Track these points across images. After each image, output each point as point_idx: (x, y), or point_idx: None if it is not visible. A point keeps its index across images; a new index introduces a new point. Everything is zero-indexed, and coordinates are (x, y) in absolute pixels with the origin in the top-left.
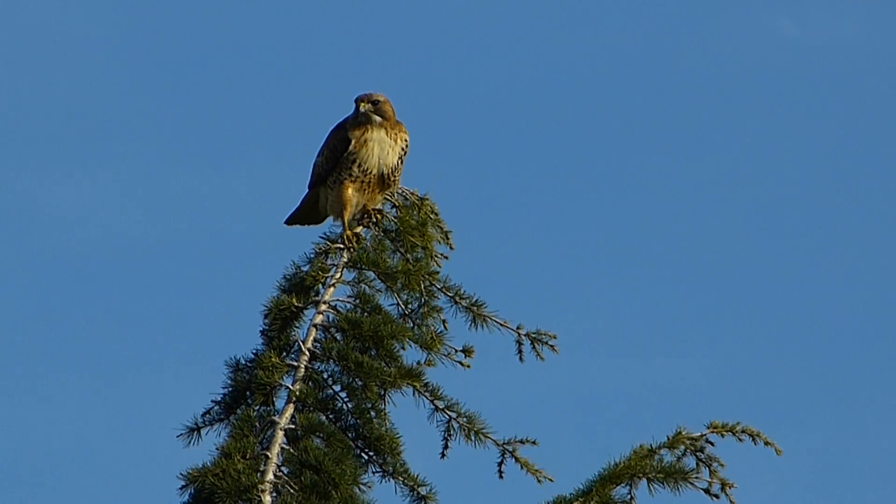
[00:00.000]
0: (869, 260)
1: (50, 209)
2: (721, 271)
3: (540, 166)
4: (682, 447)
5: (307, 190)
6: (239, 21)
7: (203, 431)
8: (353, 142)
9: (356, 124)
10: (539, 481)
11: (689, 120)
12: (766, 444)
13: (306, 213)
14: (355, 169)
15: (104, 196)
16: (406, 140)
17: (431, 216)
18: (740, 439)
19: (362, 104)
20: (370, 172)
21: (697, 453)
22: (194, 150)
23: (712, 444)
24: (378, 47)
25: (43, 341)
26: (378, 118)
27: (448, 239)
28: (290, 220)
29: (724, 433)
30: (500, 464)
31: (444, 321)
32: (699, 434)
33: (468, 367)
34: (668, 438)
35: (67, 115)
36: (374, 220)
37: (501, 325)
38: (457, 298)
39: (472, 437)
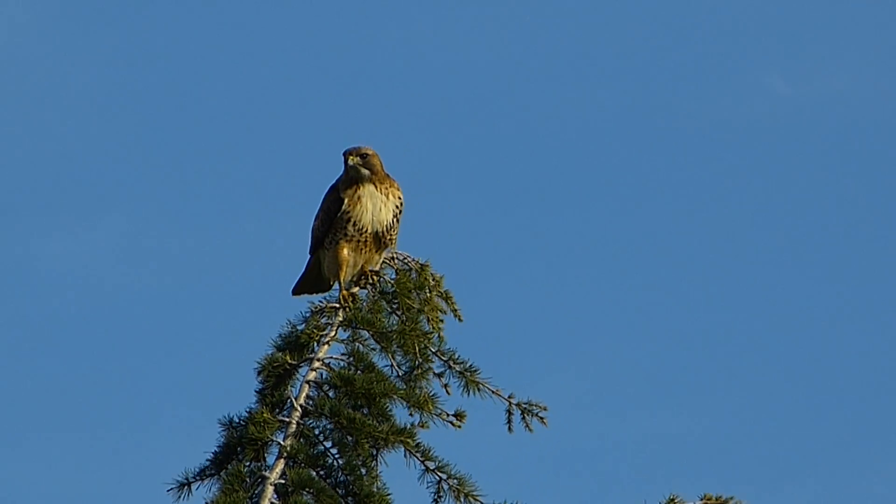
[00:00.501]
0: (853, 313)
1: (42, 264)
2: (703, 327)
3: (516, 216)
4: None
5: (309, 255)
6: (232, 71)
7: (194, 486)
8: (346, 201)
9: (347, 183)
10: None
11: (681, 179)
12: None
13: (312, 281)
14: (350, 228)
15: (97, 251)
16: (400, 197)
17: (431, 283)
18: None
19: (350, 157)
20: (365, 231)
21: None
22: (189, 205)
23: None
24: (371, 104)
25: (35, 398)
26: (366, 172)
27: (454, 306)
28: (297, 291)
29: None
30: None
31: (445, 385)
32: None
33: (459, 427)
34: None
35: (60, 170)
36: (372, 281)
37: (493, 392)
38: (450, 363)
39: (462, 500)
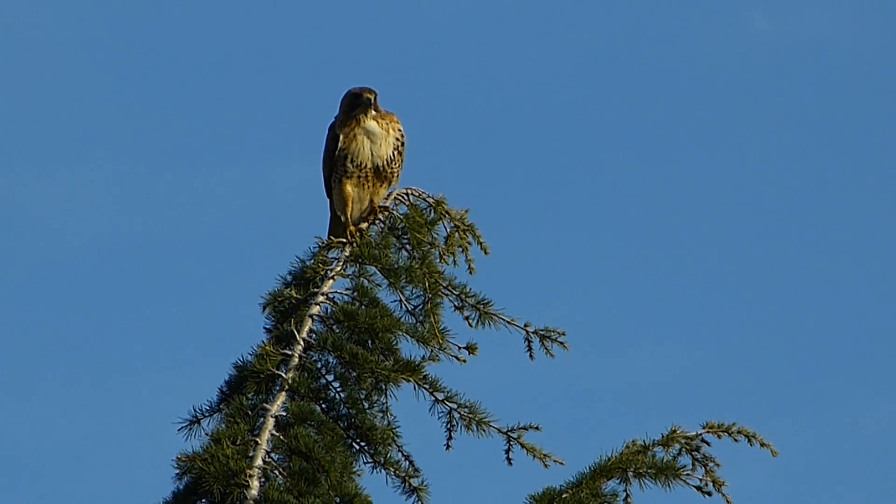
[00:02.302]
0: (847, 249)
1: (32, 208)
2: (707, 264)
3: (527, 165)
4: (678, 446)
5: (328, 199)
6: (221, 17)
7: (203, 423)
8: (341, 138)
9: (343, 121)
10: (546, 465)
11: (664, 115)
12: (763, 445)
13: (338, 226)
14: (349, 165)
15: (86, 193)
16: (400, 130)
17: (447, 217)
18: (736, 440)
19: (369, 95)
20: (364, 166)
21: (693, 452)
22: (175, 146)
23: (708, 443)
24: (364, 46)
25: (36, 343)
26: (373, 111)
27: (480, 239)
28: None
29: (721, 434)
30: (507, 451)
31: (467, 318)
32: (695, 433)
33: (465, 361)
34: (663, 436)
35: (45, 114)
36: (381, 217)
37: (509, 322)
38: (463, 297)
39: (475, 427)
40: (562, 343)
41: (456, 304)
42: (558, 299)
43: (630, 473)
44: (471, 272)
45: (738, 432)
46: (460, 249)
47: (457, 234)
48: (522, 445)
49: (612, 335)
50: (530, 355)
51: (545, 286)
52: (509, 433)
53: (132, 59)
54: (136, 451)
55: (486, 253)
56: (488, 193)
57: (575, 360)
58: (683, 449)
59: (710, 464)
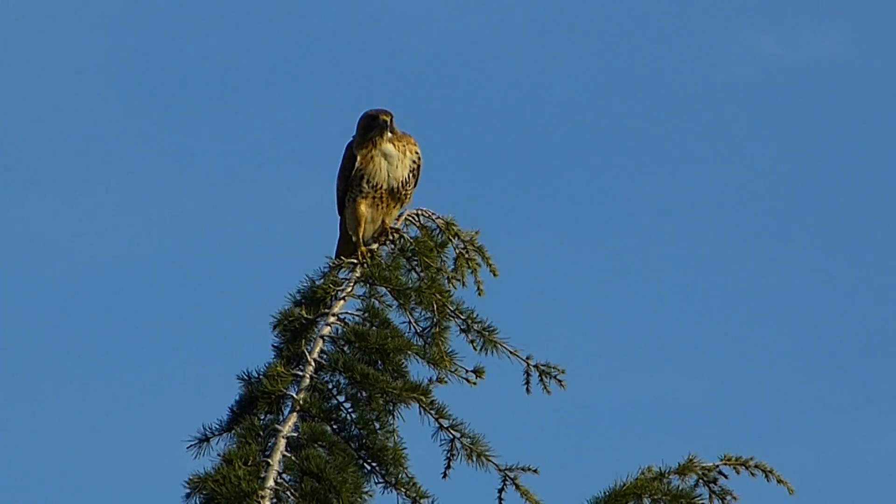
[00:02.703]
0: (852, 272)
1: (48, 229)
2: (721, 288)
3: (539, 186)
4: (695, 476)
5: (339, 216)
6: (237, 41)
7: (213, 441)
8: (358, 159)
9: (361, 142)
10: None
11: (677, 139)
12: (780, 482)
13: (348, 245)
14: (365, 185)
15: (102, 215)
16: (417, 153)
17: (458, 239)
18: (753, 474)
19: (385, 117)
20: (380, 187)
21: (710, 484)
22: (186, 166)
23: (725, 476)
24: (372, 63)
25: (51, 362)
26: (389, 133)
27: (489, 261)
28: (338, 255)
29: (738, 467)
30: (500, 490)
31: (472, 341)
32: (712, 465)
33: (475, 384)
34: (679, 465)
35: (63, 136)
36: (392, 238)
37: (511, 353)
38: (469, 322)
39: (475, 459)
40: (559, 381)
41: (462, 326)
42: (567, 323)
43: (646, 500)
44: (479, 294)
45: (756, 466)
46: (469, 271)
47: (465, 255)
48: (517, 487)
49: (623, 360)
50: (527, 389)
51: (555, 309)
52: (507, 472)
53: (149, 81)
54: (146, 470)
55: (495, 275)
56: (498, 212)
57: (585, 385)
58: (700, 480)
59: (728, 497)
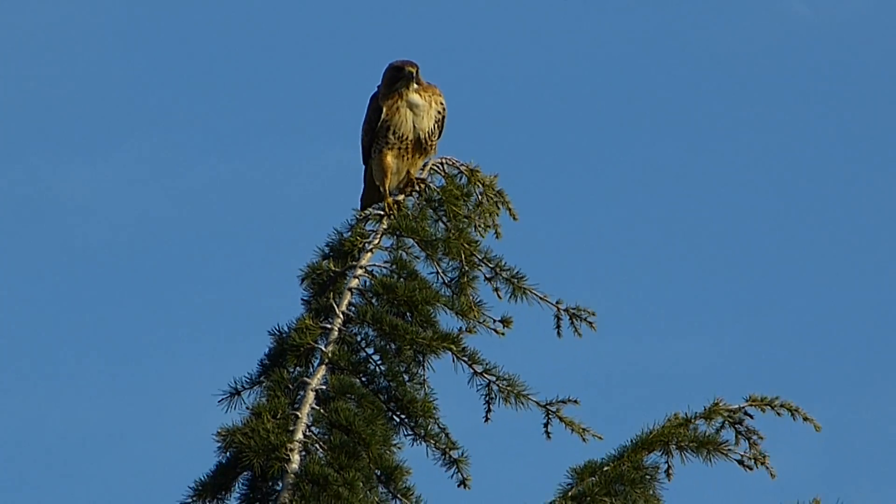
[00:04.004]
0: (882, 240)
1: (64, 195)
2: (744, 253)
3: (552, 148)
4: (720, 419)
5: (363, 165)
6: (253, 5)
7: (244, 395)
8: (384, 110)
9: (387, 93)
10: (584, 440)
11: (703, 103)
12: (805, 419)
13: (373, 194)
14: (391, 136)
15: (117, 180)
16: (442, 103)
17: (482, 187)
18: (779, 413)
19: (413, 68)
20: (406, 138)
21: (736, 425)
22: (206, 133)
23: (751, 416)
24: (385, 35)
25: (78, 324)
26: (415, 84)
27: (509, 206)
28: (364, 205)
29: (764, 407)
30: (545, 424)
31: (496, 290)
32: (737, 406)
33: (503, 334)
34: (705, 409)
35: (79, 102)
36: (418, 189)
37: (541, 298)
38: (497, 270)
39: (513, 400)
40: (590, 323)
41: (488, 275)
42: (595, 283)
43: (672, 446)
44: (497, 236)
45: (781, 406)
46: (489, 215)
47: (485, 200)
48: (561, 419)
49: (650, 321)
50: (558, 333)
51: (583, 270)
52: (548, 406)
53: (177, 43)
54: (179, 428)
55: (514, 219)
56: (524, 170)
57: (610, 344)
58: (727, 422)
59: (754, 437)
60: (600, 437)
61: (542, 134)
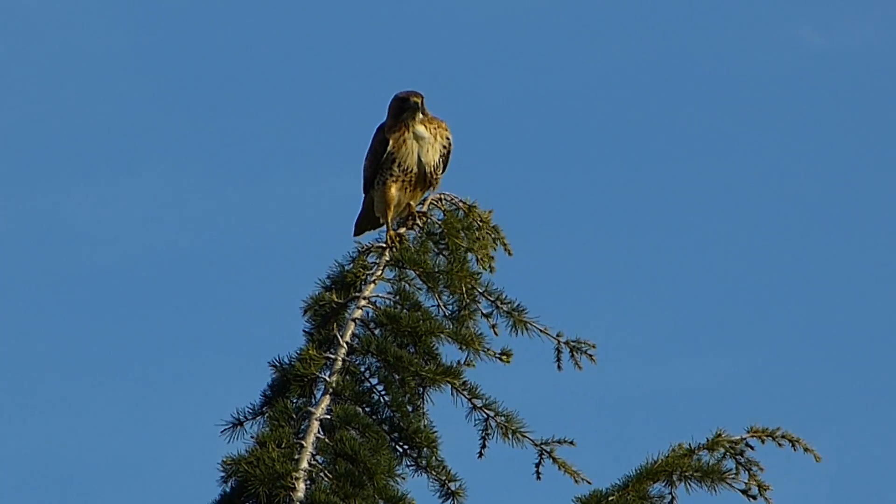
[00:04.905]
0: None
1: (76, 222)
2: (751, 273)
3: (560, 170)
4: (722, 450)
5: (363, 194)
6: (263, 33)
7: (247, 426)
8: (391, 142)
9: (393, 125)
10: (576, 482)
11: (714, 129)
12: (806, 450)
13: (370, 219)
14: (395, 169)
15: (131, 208)
16: (448, 138)
17: (479, 223)
18: (780, 444)
19: (418, 98)
20: (410, 171)
21: (737, 457)
22: (224, 158)
23: (752, 447)
24: (394, 49)
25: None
26: (421, 115)
27: (504, 241)
28: (358, 230)
29: (765, 438)
30: (537, 465)
31: (493, 325)
32: (739, 437)
33: (507, 362)
34: (708, 440)
35: (91, 130)
36: (419, 222)
37: (541, 331)
38: (498, 303)
39: (510, 437)
40: (591, 356)
41: (484, 311)
42: (600, 309)
43: (675, 476)
44: (490, 271)
45: (783, 437)
46: (486, 249)
47: (483, 235)
48: (554, 460)
49: (655, 346)
50: (558, 366)
51: (583, 296)
52: (543, 446)
53: (188, 74)
54: (182, 457)
55: (509, 254)
56: (526, 201)
57: (614, 370)
58: (728, 453)
59: (754, 468)
60: (589, 482)
61: (544, 147)
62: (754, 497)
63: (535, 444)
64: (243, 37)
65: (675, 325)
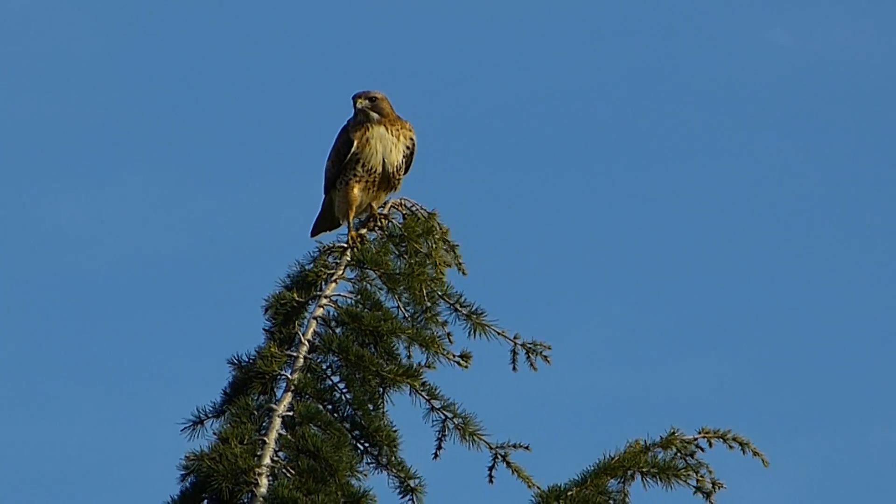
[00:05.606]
0: (866, 263)
1: (60, 224)
2: (716, 277)
3: (540, 172)
4: (674, 449)
5: (323, 195)
6: (244, 32)
7: (207, 424)
8: (355, 142)
9: (357, 124)
10: (529, 486)
11: (687, 128)
12: (755, 454)
13: (328, 220)
14: (359, 169)
15: (113, 211)
16: (412, 139)
17: (438, 233)
18: (730, 446)
19: (359, 101)
20: (374, 171)
21: (687, 457)
22: (206, 162)
23: (702, 449)
24: (382, 51)
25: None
26: (375, 115)
27: (459, 260)
28: (315, 231)
29: (714, 439)
30: (490, 468)
31: (448, 334)
32: (691, 437)
33: (466, 367)
34: (662, 438)
35: (77, 133)
36: (380, 224)
37: (499, 333)
38: (457, 306)
39: (467, 438)
40: (545, 357)
41: (443, 316)
42: (585, 314)
43: (630, 472)
44: (464, 274)
45: (733, 439)
46: (445, 266)
47: (442, 250)
48: (508, 464)
49: (635, 350)
50: (513, 367)
51: (548, 299)
52: (497, 449)
53: (171, 78)
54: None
55: (464, 274)
56: (508, 204)
57: (578, 372)
58: (679, 453)
59: (703, 469)
60: (539, 488)
61: (528, 147)
62: (708, 493)
63: (491, 448)
64: (229, 42)
65: (658, 327)
